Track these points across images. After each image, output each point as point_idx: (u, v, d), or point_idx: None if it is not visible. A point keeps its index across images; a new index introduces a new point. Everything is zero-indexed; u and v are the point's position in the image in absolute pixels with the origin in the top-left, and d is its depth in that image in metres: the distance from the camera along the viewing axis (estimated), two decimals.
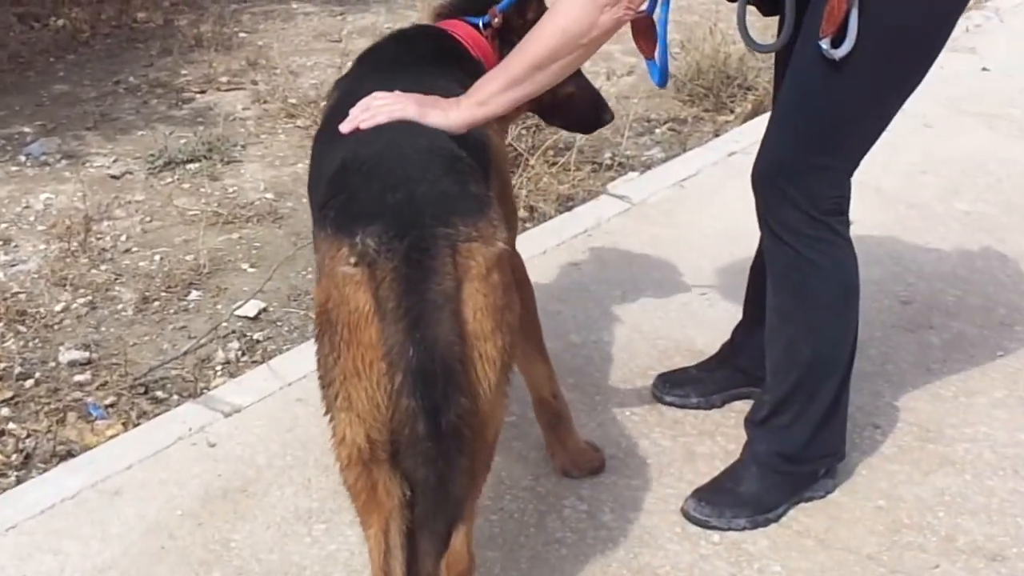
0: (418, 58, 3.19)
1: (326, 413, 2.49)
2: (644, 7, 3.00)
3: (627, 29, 3.03)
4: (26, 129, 6.17)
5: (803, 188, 3.08)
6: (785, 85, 3.14)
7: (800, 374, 3.28)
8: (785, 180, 3.09)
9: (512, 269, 2.66)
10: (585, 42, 2.79)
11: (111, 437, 3.74)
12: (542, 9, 3.28)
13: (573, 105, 3.54)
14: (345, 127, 2.69)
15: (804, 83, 3.03)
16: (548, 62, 2.80)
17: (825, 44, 2.88)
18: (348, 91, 3.02)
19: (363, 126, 2.68)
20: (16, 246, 4.97)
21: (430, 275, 2.32)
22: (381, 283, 2.32)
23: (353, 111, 2.73)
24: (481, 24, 3.32)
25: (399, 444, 2.37)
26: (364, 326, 2.34)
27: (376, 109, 2.72)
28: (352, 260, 2.36)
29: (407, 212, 2.39)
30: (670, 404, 3.84)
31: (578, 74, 3.41)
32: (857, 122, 3.05)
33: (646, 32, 3.12)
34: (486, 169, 2.87)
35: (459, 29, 3.32)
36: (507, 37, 3.30)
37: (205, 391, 3.99)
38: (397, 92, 2.77)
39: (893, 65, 2.95)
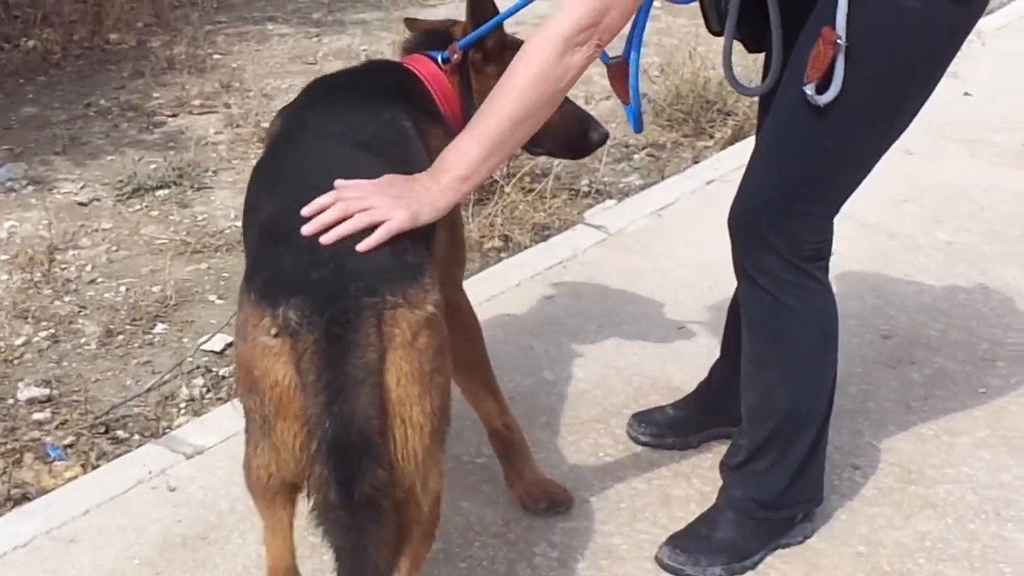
0: (368, 90, 3.12)
1: (250, 444, 2.52)
2: (620, 51, 2.94)
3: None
4: None
5: (784, 234, 2.98)
6: (767, 127, 3.03)
7: (777, 421, 3.18)
8: (766, 225, 2.99)
9: (457, 309, 2.70)
10: (562, 86, 2.69)
11: (69, 479, 3.63)
12: (503, 40, 3.25)
13: (556, 130, 3.36)
14: (308, 229, 2.46)
15: (787, 127, 2.94)
16: (527, 115, 2.68)
17: (810, 90, 2.78)
18: (292, 121, 3.01)
19: (332, 238, 2.44)
20: None
21: (351, 348, 2.29)
22: (302, 356, 2.31)
23: (322, 206, 2.48)
24: (440, 59, 3.25)
25: (316, 508, 2.35)
26: (287, 399, 2.34)
27: (353, 208, 2.48)
28: (273, 331, 2.34)
29: (332, 285, 2.36)
30: (645, 444, 3.75)
31: None
32: (841, 168, 2.95)
33: (623, 77, 3.03)
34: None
35: (418, 64, 3.26)
36: (466, 72, 3.26)
37: (168, 430, 3.89)
38: (366, 183, 2.57)
39: (880, 111, 2.86)
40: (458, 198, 2.68)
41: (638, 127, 3.14)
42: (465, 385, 3.38)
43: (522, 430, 3.49)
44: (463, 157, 2.66)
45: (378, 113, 2.97)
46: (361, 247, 2.43)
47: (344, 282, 2.36)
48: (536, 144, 3.38)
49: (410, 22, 3.55)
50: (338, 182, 2.54)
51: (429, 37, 3.37)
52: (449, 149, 2.69)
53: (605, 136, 3.49)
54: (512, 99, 2.66)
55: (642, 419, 3.80)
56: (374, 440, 2.31)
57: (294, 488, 2.55)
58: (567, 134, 3.42)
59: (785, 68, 2.89)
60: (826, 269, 3.11)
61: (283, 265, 2.44)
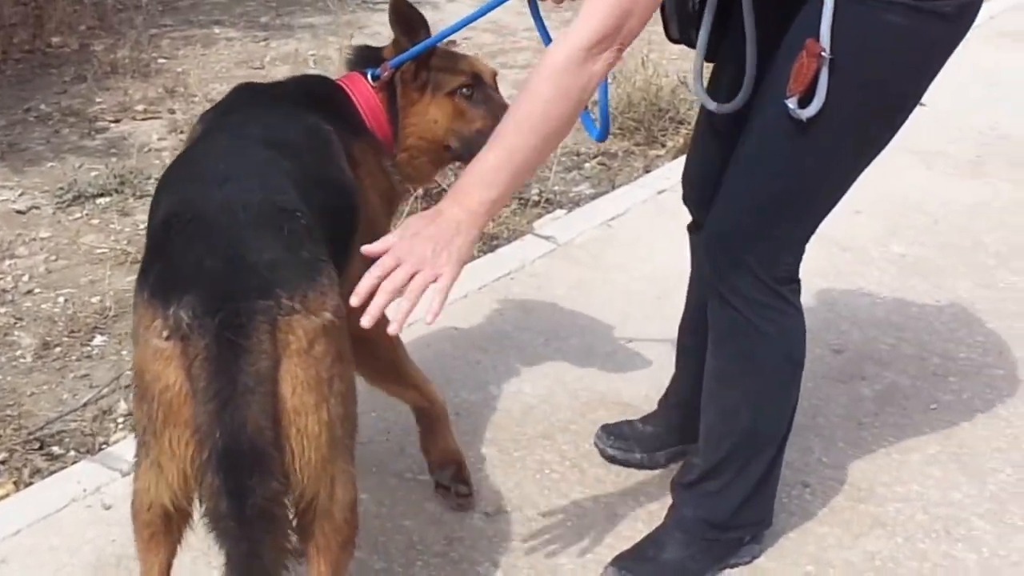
0: (292, 98, 3.15)
1: (136, 469, 2.48)
2: None
3: None
4: None
5: (759, 255, 2.91)
6: (743, 145, 2.92)
7: (736, 441, 3.13)
8: (740, 246, 2.92)
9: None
10: (585, 96, 2.60)
11: (1, 498, 3.53)
12: (427, 58, 3.25)
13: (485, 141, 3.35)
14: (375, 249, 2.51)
15: (766, 145, 2.84)
16: (554, 131, 2.59)
17: (792, 103, 2.69)
18: (210, 123, 3.02)
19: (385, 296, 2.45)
20: None
21: (242, 354, 2.25)
22: (193, 361, 2.26)
23: (383, 271, 2.47)
24: (371, 76, 3.26)
25: (207, 516, 2.32)
26: (177, 405, 2.29)
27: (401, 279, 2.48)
28: (164, 334, 2.29)
29: (225, 283, 2.31)
30: (611, 458, 3.69)
31: (488, 102, 3.33)
32: (821, 187, 2.88)
33: None
34: (351, 220, 2.90)
35: (349, 80, 3.29)
36: (393, 89, 3.26)
37: (104, 446, 3.79)
38: (400, 240, 2.52)
39: (862, 126, 2.79)
40: (487, 220, 2.61)
41: (603, 135, 3.13)
42: (384, 387, 3.42)
43: (466, 445, 3.51)
44: (492, 176, 2.56)
45: (298, 119, 2.98)
46: (430, 319, 2.48)
47: (237, 277, 2.31)
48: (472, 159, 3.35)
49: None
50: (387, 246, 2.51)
51: (367, 54, 3.38)
52: (471, 171, 2.59)
53: None
54: (538, 115, 2.56)
55: (612, 432, 3.73)
56: (266, 451, 2.27)
57: (175, 522, 2.53)
58: None
59: (758, 82, 2.83)
60: (798, 291, 3.05)
61: (176, 258, 2.39)
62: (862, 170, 2.91)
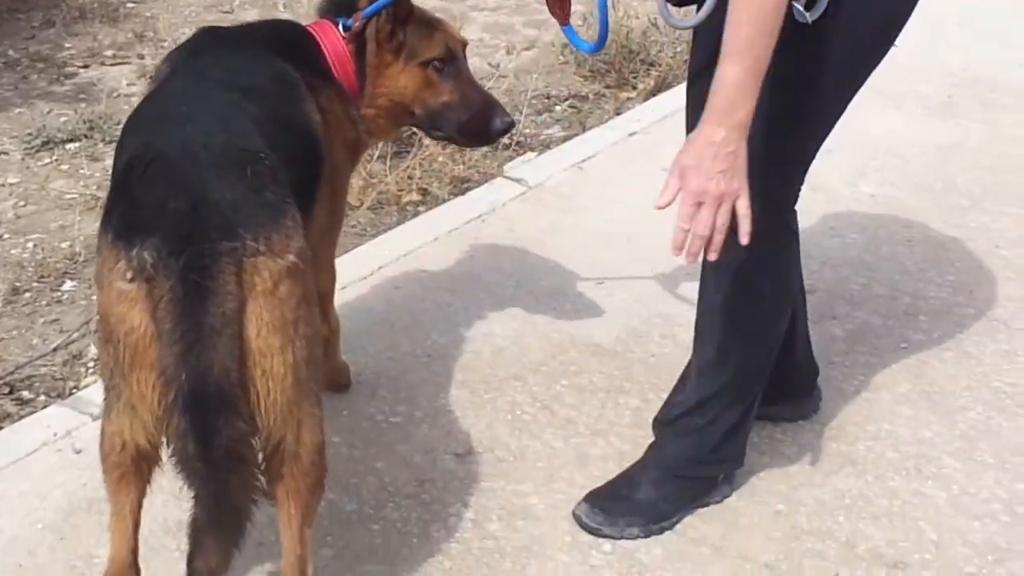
0: (258, 43, 3.15)
1: (106, 412, 2.49)
2: None
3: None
4: None
5: (768, 180, 2.81)
6: None
7: (729, 376, 3.14)
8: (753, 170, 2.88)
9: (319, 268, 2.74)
10: None
11: None
12: (407, 20, 3.25)
13: (458, 115, 3.34)
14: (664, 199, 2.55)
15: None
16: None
17: (799, 5, 2.62)
18: (176, 64, 3.01)
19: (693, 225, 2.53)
20: None
21: (208, 296, 2.25)
22: (158, 303, 2.26)
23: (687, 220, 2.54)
24: (341, 26, 3.25)
25: (175, 457, 2.35)
26: (143, 347, 2.30)
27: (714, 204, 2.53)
28: (128, 276, 2.29)
29: (189, 224, 2.30)
30: None
31: (455, 77, 3.32)
32: (821, 99, 2.84)
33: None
34: (315, 165, 2.93)
35: (319, 27, 3.28)
36: (363, 41, 3.25)
37: (75, 391, 3.79)
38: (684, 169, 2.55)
39: (862, 39, 2.78)
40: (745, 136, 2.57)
41: (600, 46, 3.17)
42: None
43: (436, 387, 3.61)
44: (751, 85, 2.51)
45: (264, 63, 2.99)
46: (712, 256, 2.56)
47: (201, 218, 2.31)
48: (435, 128, 3.39)
49: None
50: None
51: (339, 2, 3.33)
52: (723, 88, 2.53)
53: (510, 125, 3.45)
54: (771, 8, 2.48)
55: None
56: (232, 392, 2.28)
57: (145, 463, 2.53)
58: (470, 120, 3.37)
59: None
60: (796, 220, 3.08)
61: (140, 199, 2.38)
62: (858, 88, 2.90)
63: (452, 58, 3.32)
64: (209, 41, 3.14)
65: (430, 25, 3.33)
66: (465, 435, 3.54)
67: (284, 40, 3.19)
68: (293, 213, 2.47)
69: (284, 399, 2.38)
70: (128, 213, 2.37)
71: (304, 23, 3.34)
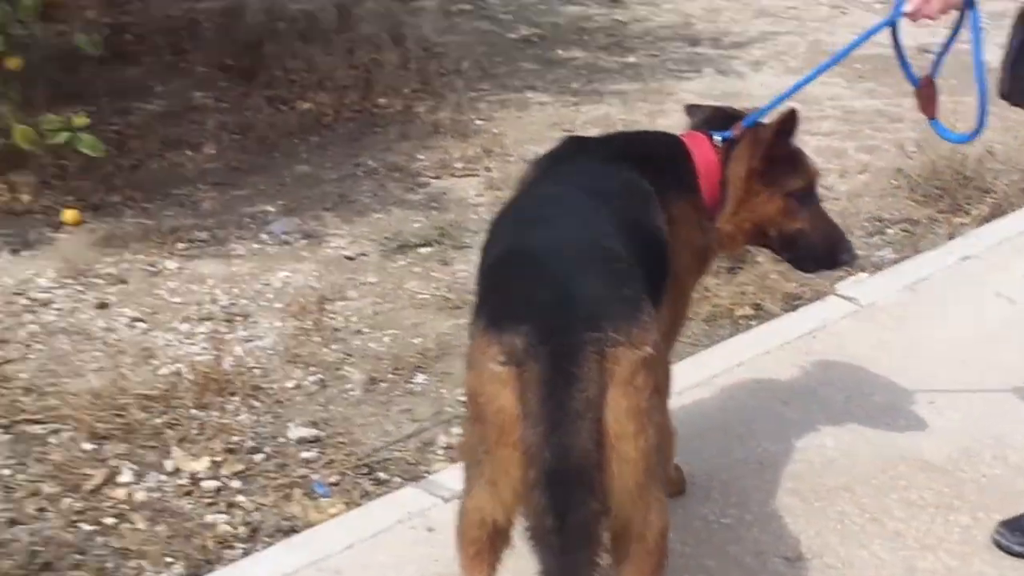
0: (618, 150, 3.34)
1: (466, 490, 2.69)
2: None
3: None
4: (269, 208, 6.34)
5: None
6: None
7: None
8: None
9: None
10: None
11: (333, 516, 3.82)
12: (780, 153, 3.42)
13: (810, 243, 3.54)
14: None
15: None
16: None
17: None
18: (543, 172, 3.25)
19: None
20: (255, 322, 5.10)
21: (573, 381, 2.42)
22: (527, 385, 2.44)
23: None
24: (720, 139, 3.42)
25: (530, 531, 2.49)
26: (509, 426, 2.47)
27: None
28: (500, 359, 2.48)
29: (556, 315, 2.50)
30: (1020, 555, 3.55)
31: (811, 206, 3.50)
32: None
33: (930, 97, 3.36)
34: (661, 270, 3.05)
35: (692, 139, 3.45)
36: (727, 155, 3.42)
37: (427, 474, 4.05)
38: None
39: None
40: None
41: (974, 135, 3.46)
42: None
43: (767, 494, 3.67)
44: None
45: (621, 172, 3.16)
46: None
47: (567, 310, 2.50)
48: (786, 250, 3.55)
49: (690, 109, 3.74)
50: None
51: (716, 120, 3.55)
52: None
53: (854, 259, 3.72)
54: None
55: (1015, 527, 3.60)
56: (590, 472, 2.44)
57: (499, 540, 2.72)
58: (820, 247, 3.56)
59: None
60: None
61: (511, 290, 2.63)
62: None
63: (812, 188, 3.50)
64: (573, 149, 3.38)
65: (798, 157, 3.49)
66: (795, 540, 3.63)
67: (646, 150, 3.38)
68: (649, 309, 2.65)
69: (635, 482, 2.52)
70: (500, 304, 2.61)
71: (677, 133, 3.53)
